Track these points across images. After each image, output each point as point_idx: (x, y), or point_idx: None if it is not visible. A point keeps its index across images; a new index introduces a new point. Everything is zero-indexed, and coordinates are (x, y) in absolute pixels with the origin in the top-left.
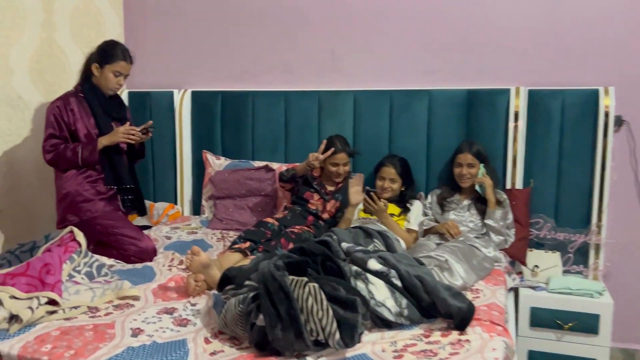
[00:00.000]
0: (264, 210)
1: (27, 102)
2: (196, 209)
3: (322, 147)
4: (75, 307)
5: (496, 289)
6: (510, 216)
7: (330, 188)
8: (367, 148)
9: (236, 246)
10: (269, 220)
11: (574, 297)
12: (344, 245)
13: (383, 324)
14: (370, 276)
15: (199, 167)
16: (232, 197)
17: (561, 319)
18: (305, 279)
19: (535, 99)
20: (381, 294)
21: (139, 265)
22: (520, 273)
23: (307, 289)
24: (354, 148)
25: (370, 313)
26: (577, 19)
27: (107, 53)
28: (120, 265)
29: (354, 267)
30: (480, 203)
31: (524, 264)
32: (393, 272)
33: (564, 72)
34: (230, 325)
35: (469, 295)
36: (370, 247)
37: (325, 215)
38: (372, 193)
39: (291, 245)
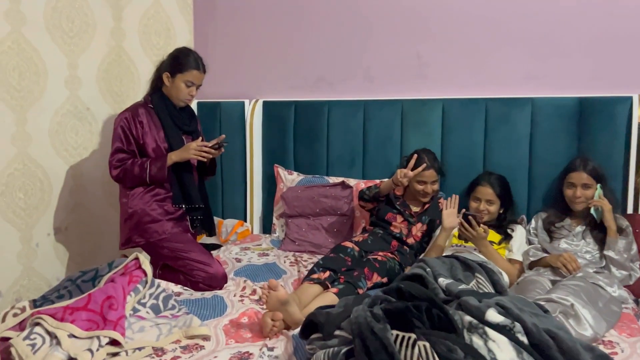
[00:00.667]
0: (340, 232)
1: (94, 113)
2: (267, 227)
3: (412, 162)
4: (140, 349)
5: (635, 342)
6: (635, 246)
7: (415, 209)
8: (457, 164)
9: (314, 276)
10: (348, 244)
11: None
12: (442, 281)
13: None
14: (489, 330)
15: (270, 182)
16: (305, 216)
17: None
18: (413, 335)
19: None
20: (505, 355)
21: (208, 295)
22: None
23: (416, 350)
24: (442, 164)
25: None
26: None
27: (180, 61)
28: (188, 293)
29: (467, 317)
30: (597, 230)
31: None
32: (518, 326)
33: None
34: None
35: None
36: (472, 284)
37: (411, 240)
38: (470, 217)
39: (375, 276)
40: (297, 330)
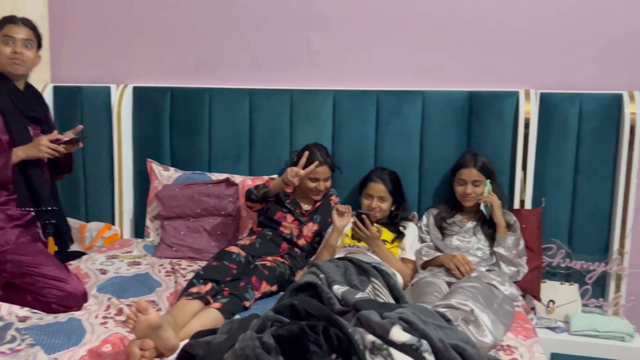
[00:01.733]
0: (225, 234)
1: None
2: (139, 231)
3: (304, 159)
4: None
5: (531, 344)
6: (522, 242)
7: (306, 207)
8: (349, 159)
9: (194, 290)
10: (233, 249)
11: (602, 341)
12: (337, 289)
13: None
14: (394, 352)
15: (142, 179)
16: (184, 218)
17: None
18: None
19: (548, 104)
20: None
21: (62, 318)
22: (533, 309)
23: None
24: (333, 160)
25: None
26: (597, 12)
27: None
28: (37, 317)
29: (369, 337)
30: (487, 226)
31: (538, 298)
32: (424, 344)
33: (582, 73)
34: None
35: (504, 358)
36: (368, 290)
37: (302, 242)
38: (363, 216)
39: (264, 285)
40: (173, 357)
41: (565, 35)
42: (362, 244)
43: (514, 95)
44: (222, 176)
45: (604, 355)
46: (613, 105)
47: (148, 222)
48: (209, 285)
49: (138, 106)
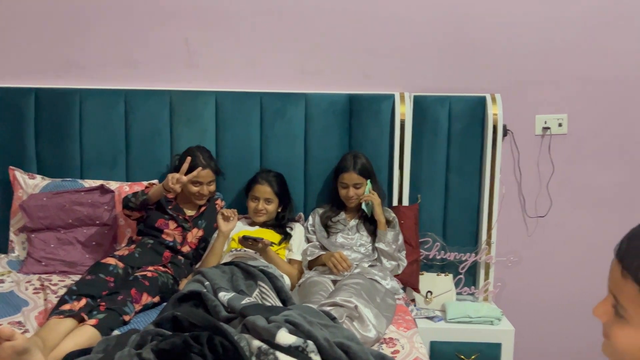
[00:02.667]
0: (101, 245)
1: None
2: (2, 246)
3: (186, 165)
4: None
5: (412, 335)
6: (401, 237)
7: (190, 213)
8: (233, 162)
9: (66, 307)
10: (110, 261)
11: (475, 326)
12: (223, 296)
13: None
14: (280, 355)
15: (4, 188)
16: (54, 229)
17: (463, 352)
18: None
19: (421, 106)
20: None
21: None
22: (413, 301)
23: None
24: (217, 163)
25: None
26: (463, 21)
27: None
28: None
29: (256, 342)
30: (368, 223)
31: (417, 290)
32: (310, 345)
33: (452, 77)
34: None
35: (386, 351)
36: (256, 294)
37: (186, 249)
38: (249, 242)
39: (145, 297)
40: None
41: (435, 42)
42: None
43: (390, 98)
44: (96, 183)
45: (477, 339)
46: (478, 107)
47: (12, 236)
48: (83, 301)
49: None
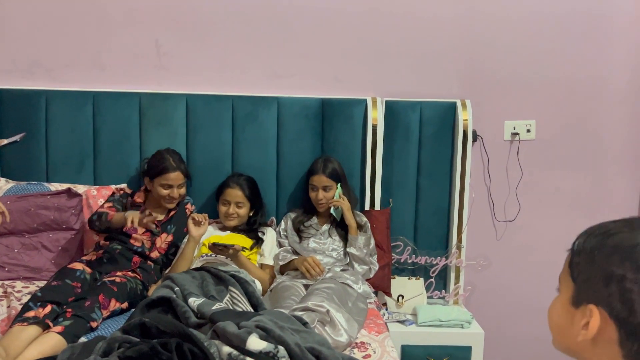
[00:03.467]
0: (67, 250)
1: None
2: None
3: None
4: None
5: (383, 339)
6: (373, 241)
7: (159, 217)
8: (205, 166)
9: (30, 314)
10: (77, 266)
11: (445, 330)
12: (193, 301)
13: None
14: None
15: None
16: (18, 234)
17: (434, 356)
18: None
19: (393, 111)
20: None
21: None
22: (384, 304)
23: None
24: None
25: None
26: (434, 27)
27: None
28: None
29: (226, 348)
30: (340, 228)
31: (389, 294)
32: (281, 350)
33: (423, 82)
34: None
35: (358, 355)
36: (226, 299)
37: (155, 254)
38: (219, 248)
39: (114, 303)
40: None
41: (407, 47)
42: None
43: (363, 102)
44: (62, 186)
45: (448, 342)
46: (449, 113)
47: None
48: (49, 308)
49: None
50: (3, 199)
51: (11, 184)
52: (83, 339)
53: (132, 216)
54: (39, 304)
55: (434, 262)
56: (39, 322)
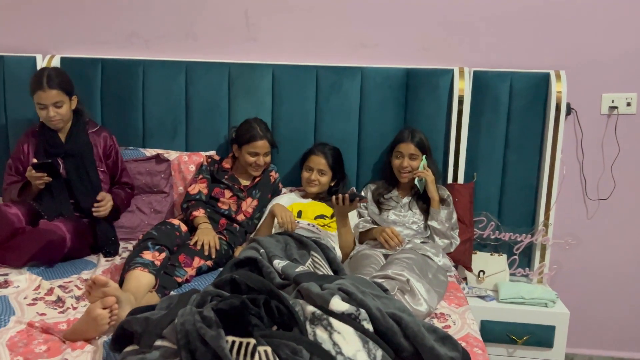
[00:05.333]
0: (159, 212)
1: None
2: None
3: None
4: None
5: (463, 312)
6: (455, 215)
7: (245, 183)
8: (288, 135)
9: (148, 257)
10: (174, 221)
11: (528, 308)
12: (278, 263)
13: None
14: (333, 321)
15: None
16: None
17: (515, 333)
18: (252, 341)
19: (481, 81)
20: (351, 347)
21: None
22: (464, 279)
23: (256, 359)
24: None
25: None
26: None
27: None
28: None
29: (310, 308)
30: (422, 201)
31: (470, 269)
32: (363, 313)
33: (514, 52)
34: None
35: (438, 326)
36: (308, 263)
37: (241, 217)
38: (357, 199)
39: (198, 261)
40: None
41: (497, 15)
42: (303, 218)
43: (449, 72)
44: (156, 152)
45: (530, 320)
46: (541, 84)
47: None
48: (163, 255)
49: None
50: None
51: None
52: (173, 293)
53: (204, 239)
54: (157, 247)
55: (519, 239)
56: (156, 273)
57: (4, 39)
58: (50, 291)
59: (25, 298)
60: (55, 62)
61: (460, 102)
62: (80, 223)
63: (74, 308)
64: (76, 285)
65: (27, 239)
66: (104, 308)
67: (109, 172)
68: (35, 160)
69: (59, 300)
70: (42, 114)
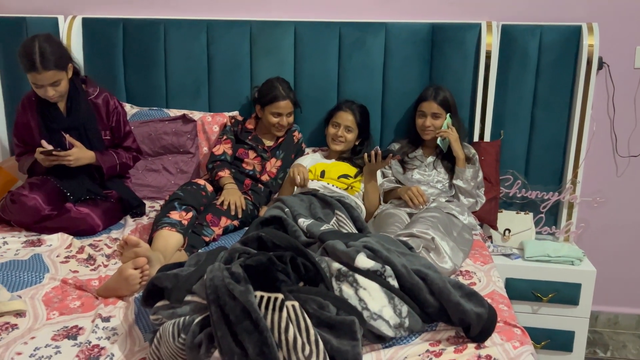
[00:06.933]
0: (185, 172)
1: None
2: None
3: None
4: None
5: (489, 269)
6: (481, 174)
7: (268, 144)
8: (311, 94)
9: (175, 217)
10: (200, 181)
11: (554, 266)
12: (302, 222)
13: (375, 338)
14: (359, 277)
15: None
16: (142, 157)
17: (540, 291)
18: (280, 296)
19: (510, 36)
20: (377, 303)
21: (24, 255)
22: (489, 237)
23: (284, 313)
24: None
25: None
26: None
27: None
28: None
29: (335, 265)
30: (446, 160)
31: (495, 227)
32: (388, 270)
33: (543, 4)
34: None
35: (463, 282)
36: (333, 222)
37: (265, 177)
38: (390, 155)
39: (225, 220)
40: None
41: None
42: (326, 180)
43: (476, 27)
44: (180, 112)
45: (556, 278)
46: (572, 37)
47: None
48: (190, 214)
49: (89, 39)
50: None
51: (135, 109)
52: (200, 251)
53: (231, 199)
54: (183, 207)
55: (546, 197)
56: (184, 232)
57: (26, 0)
58: (81, 249)
59: (57, 256)
60: (77, 23)
61: (488, 58)
62: (107, 203)
63: (105, 266)
64: (106, 244)
65: (56, 226)
66: (135, 268)
67: (112, 137)
68: (44, 146)
69: (90, 258)
70: (39, 92)
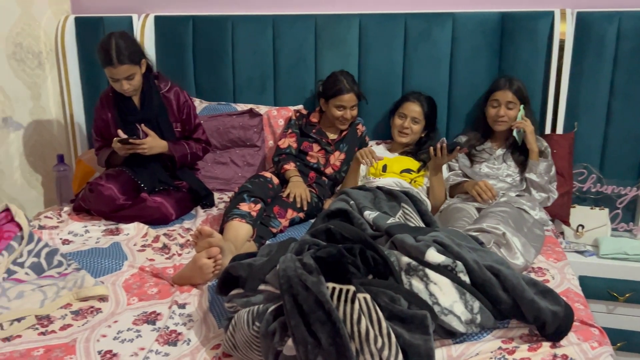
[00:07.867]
0: (252, 165)
1: None
2: None
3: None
4: (19, 320)
5: (562, 266)
6: (554, 168)
7: (332, 137)
8: (376, 87)
9: (244, 208)
10: (267, 174)
11: (631, 264)
12: (368, 214)
13: (445, 333)
14: (429, 272)
15: None
16: (211, 150)
17: (616, 290)
18: (352, 288)
19: (585, 23)
20: (448, 298)
21: (104, 244)
22: (562, 234)
23: (356, 305)
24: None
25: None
26: None
27: None
28: (79, 242)
29: (405, 259)
30: (517, 153)
31: (567, 223)
32: (460, 265)
33: None
34: (242, 349)
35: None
36: (399, 215)
37: (329, 170)
38: (457, 148)
39: (291, 212)
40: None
41: None
42: (388, 172)
43: (549, 15)
44: (247, 107)
45: (634, 277)
46: None
47: None
48: (259, 206)
49: (160, 36)
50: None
51: (204, 104)
52: (268, 242)
53: (297, 192)
54: (252, 199)
55: (623, 192)
56: (253, 223)
57: (103, 1)
58: (156, 239)
59: (135, 245)
60: (150, 21)
61: (561, 47)
62: (179, 193)
63: (179, 254)
64: (179, 234)
65: (132, 215)
66: (209, 258)
67: (183, 130)
68: (120, 135)
69: (165, 247)
70: (115, 86)
